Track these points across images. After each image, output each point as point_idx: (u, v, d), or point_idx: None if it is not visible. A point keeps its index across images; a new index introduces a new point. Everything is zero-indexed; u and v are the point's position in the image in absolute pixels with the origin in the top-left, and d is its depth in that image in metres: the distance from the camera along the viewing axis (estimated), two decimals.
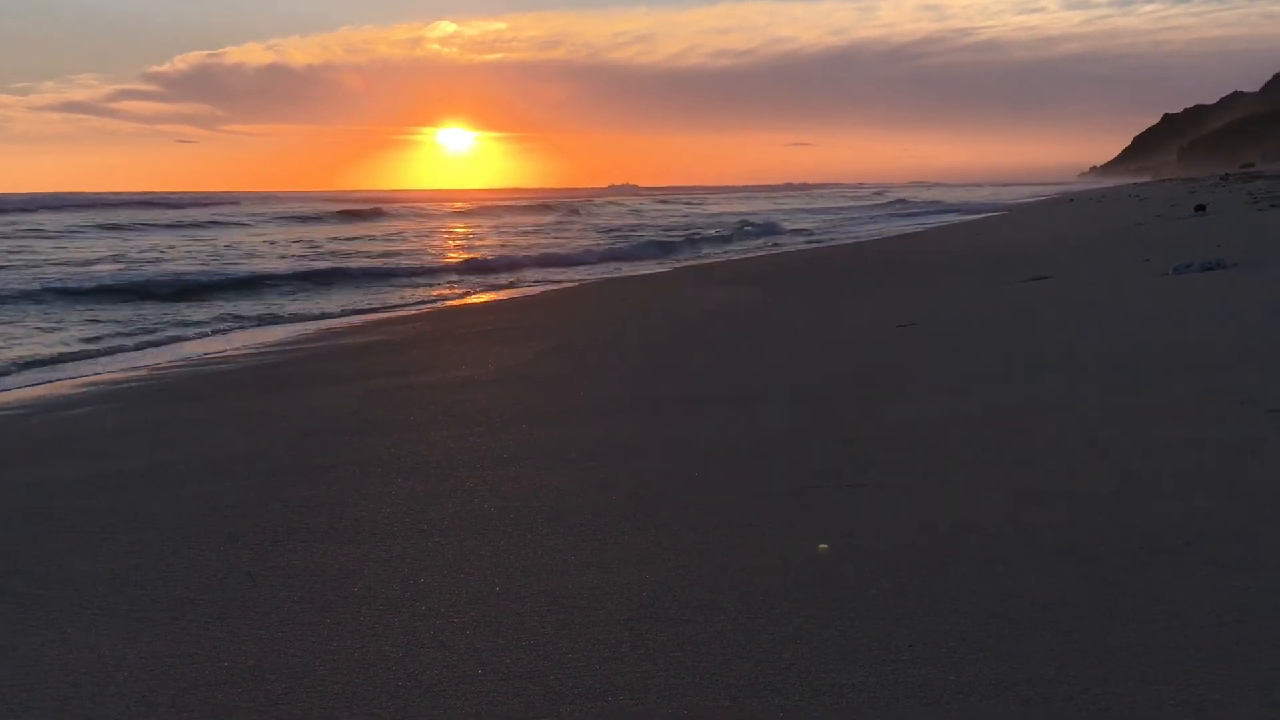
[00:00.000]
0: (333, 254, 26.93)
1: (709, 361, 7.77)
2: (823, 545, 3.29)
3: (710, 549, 3.36)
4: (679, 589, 3.03)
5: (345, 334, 12.52)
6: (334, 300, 16.89)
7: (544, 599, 3.03)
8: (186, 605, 3.18)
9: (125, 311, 15.11)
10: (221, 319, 14.28)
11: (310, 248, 29.87)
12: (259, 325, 13.84)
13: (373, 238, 35.12)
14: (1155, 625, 2.53)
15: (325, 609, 3.06)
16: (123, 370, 9.93)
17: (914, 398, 5.57)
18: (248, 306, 15.79)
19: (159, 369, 10.01)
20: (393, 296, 17.44)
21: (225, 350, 11.34)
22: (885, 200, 69.07)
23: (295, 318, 14.66)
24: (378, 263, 23.59)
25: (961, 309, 9.49)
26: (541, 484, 4.38)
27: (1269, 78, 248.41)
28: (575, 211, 54.69)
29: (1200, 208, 20.37)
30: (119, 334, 12.75)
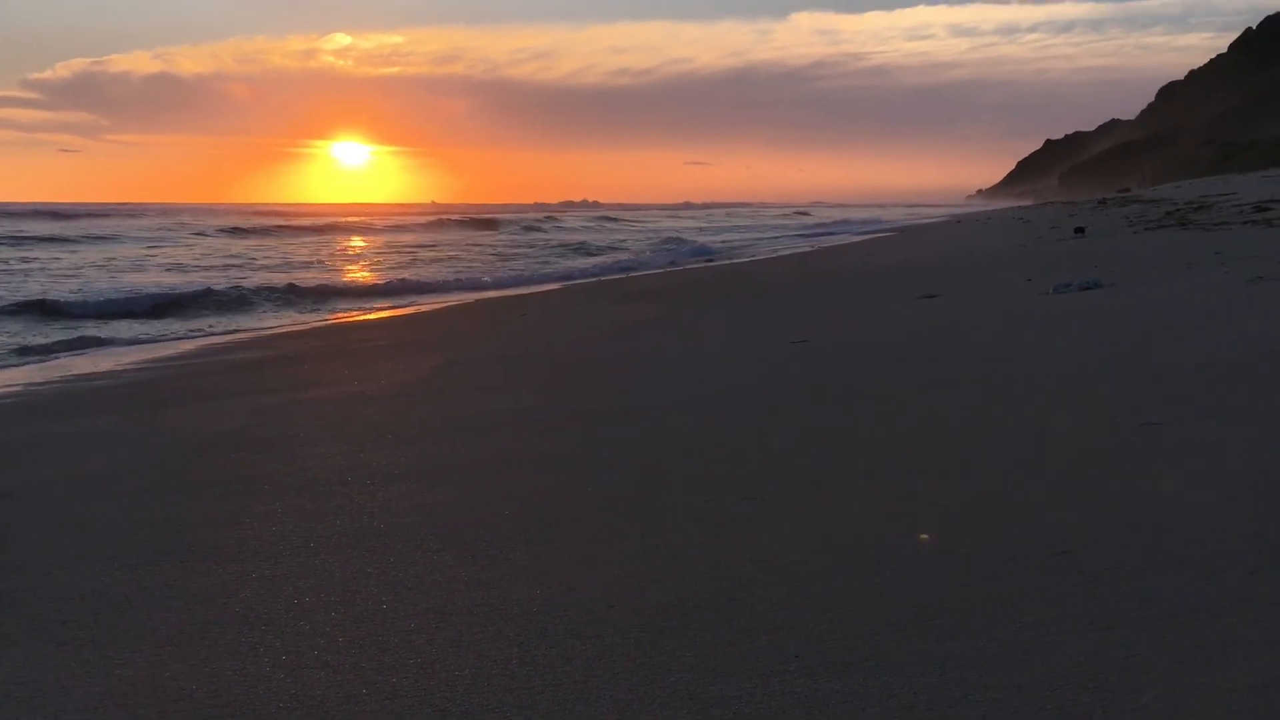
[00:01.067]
0: (221, 268, 26.30)
1: (605, 376, 7.77)
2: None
3: (604, 564, 3.35)
4: (570, 605, 3.02)
5: (234, 350, 12.22)
6: (221, 318, 16.47)
7: (432, 616, 2.99)
8: (57, 629, 3.06)
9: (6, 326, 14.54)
10: (95, 335, 13.79)
11: (199, 259, 29.14)
12: (137, 343, 13.39)
13: (265, 250, 34.36)
14: (1029, 634, 2.60)
15: (204, 630, 2.97)
16: None
17: (806, 412, 5.65)
18: (126, 325, 15.27)
19: (33, 385, 9.63)
20: (282, 313, 17.07)
21: (103, 367, 10.96)
22: (785, 219, 70.10)
23: (179, 335, 14.25)
24: (274, 278, 23.07)
25: (854, 325, 9.68)
26: (433, 500, 4.33)
27: (1143, 106, 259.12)
28: (484, 226, 54.28)
29: (1080, 230, 21.10)
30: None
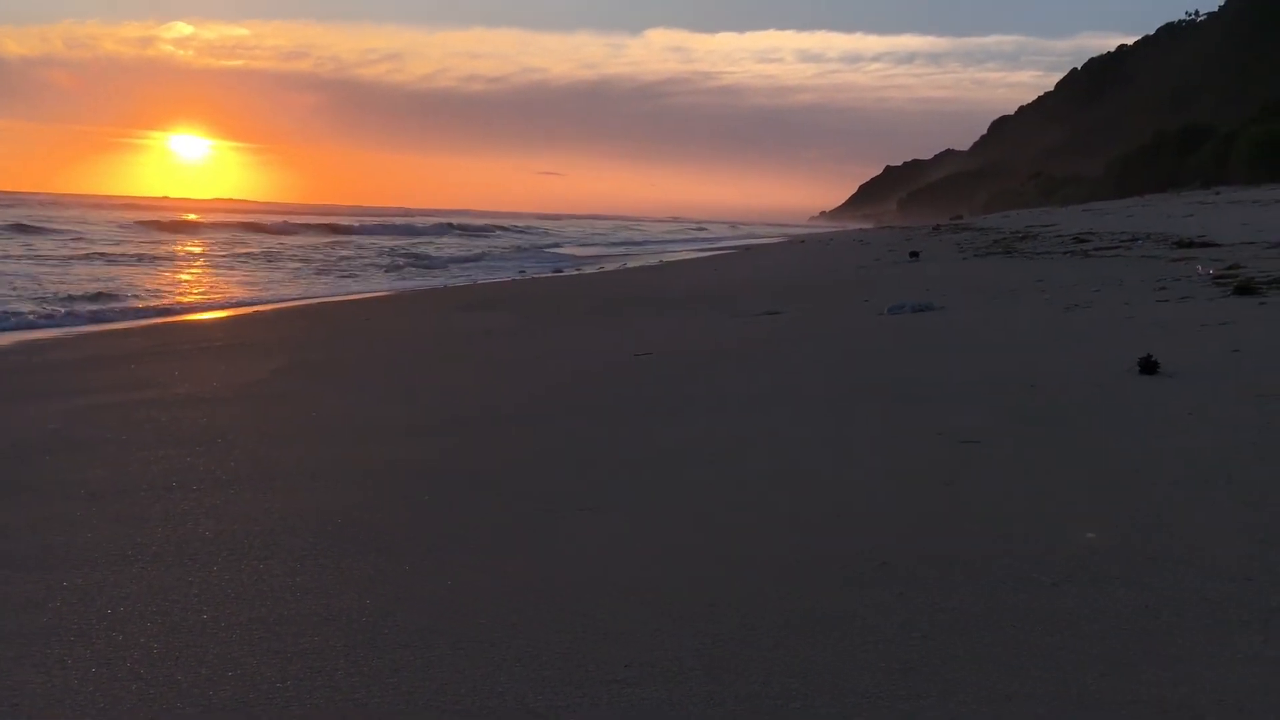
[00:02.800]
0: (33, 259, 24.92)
1: (447, 385, 7.69)
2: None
3: (436, 573, 3.32)
4: (400, 614, 2.97)
5: (53, 347, 11.61)
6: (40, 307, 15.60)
7: (257, 627, 2.91)
8: None
9: None
10: None
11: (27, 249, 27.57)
12: None
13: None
14: (851, 642, 2.69)
15: (6, 641, 2.81)
16: None
17: (646, 424, 5.71)
18: None
19: None
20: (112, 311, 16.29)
21: None
22: (635, 233, 70.57)
23: None
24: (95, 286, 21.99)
25: (696, 340, 9.82)
26: (263, 507, 4.20)
27: (977, 138, 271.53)
28: (329, 230, 52.79)
29: (914, 254, 21.95)
30: None
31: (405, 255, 34.12)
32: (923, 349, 8.06)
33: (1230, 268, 12.34)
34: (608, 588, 3.13)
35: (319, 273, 25.77)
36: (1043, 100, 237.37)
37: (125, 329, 13.67)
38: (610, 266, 29.74)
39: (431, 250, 38.40)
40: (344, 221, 61.71)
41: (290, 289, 21.11)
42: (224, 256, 30.69)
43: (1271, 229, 19.26)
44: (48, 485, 4.65)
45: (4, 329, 13.14)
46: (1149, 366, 5.97)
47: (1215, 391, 5.45)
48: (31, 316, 14.34)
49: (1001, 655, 2.58)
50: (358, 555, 3.52)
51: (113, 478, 4.81)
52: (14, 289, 18.05)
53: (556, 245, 48.70)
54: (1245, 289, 9.77)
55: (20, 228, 39.71)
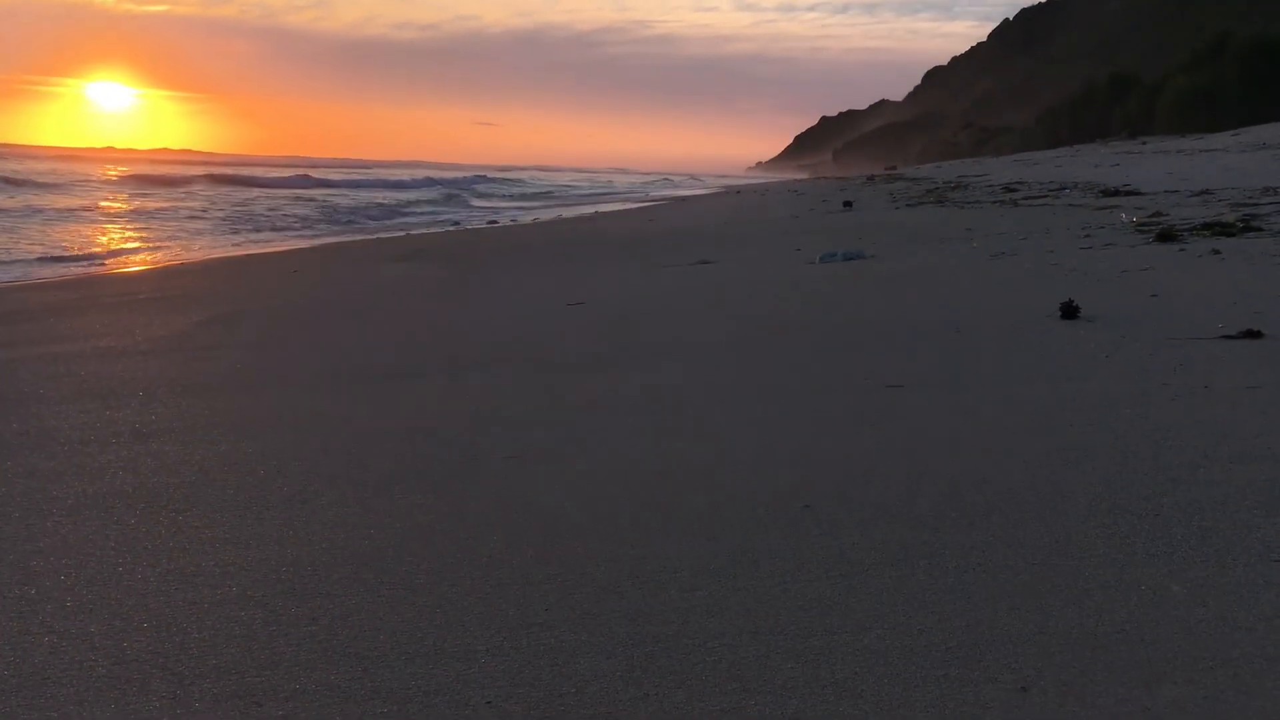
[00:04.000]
0: None
1: (374, 336, 7.61)
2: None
3: (357, 524, 3.30)
4: (321, 564, 2.95)
5: None
6: None
7: (173, 578, 2.87)
8: None
9: None
10: None
11: None
12: None
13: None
14: (770, 582, 2.72)
15: None
16: None
17: (577, 373, 5.70)
18: None
19: None
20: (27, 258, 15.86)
21: None
22: (571, 184, 70.07)
23: None
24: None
25: (628, 289, 9.81)
26: (184, 459, 4.14)
27: (910, 89, 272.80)
28: (246, 183, 51.63)
29: (848, 204, 22.08)
30: None
31: (333, 207, 33.55)
32: (852, 297, 8.13)
33: (1153, 215, 12.59)
34: (529, 534, 3.14)
35: (248, 225, 25.28)
36: (976, 50, 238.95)
37: (49, 281, 13.32)
38: (545, 217, 29.55)
39: (362, 201, 37.80)
40: (274, 173, 60.42)
41: (214, 241, 20.69)
42: (136, 209, 29.90)
43: (1194, 178, 19.66)
44: None
45: None
46: (1070, 311, 6.08)
47: (1133, 335, 5.57)
48: None
49: (915, 592, 2.63)
50: (278, 507, 3.48)
51: (28, 431, 4.70)
52: None
53: (489, 196, 48.22)
54: (1166, 236, 9.97)
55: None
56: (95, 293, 11.97)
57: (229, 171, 57.88)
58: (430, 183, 56.47)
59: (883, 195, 26.27)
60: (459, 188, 52.10)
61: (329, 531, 3.23)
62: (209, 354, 6.94)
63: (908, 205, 20.82)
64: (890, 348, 5.80)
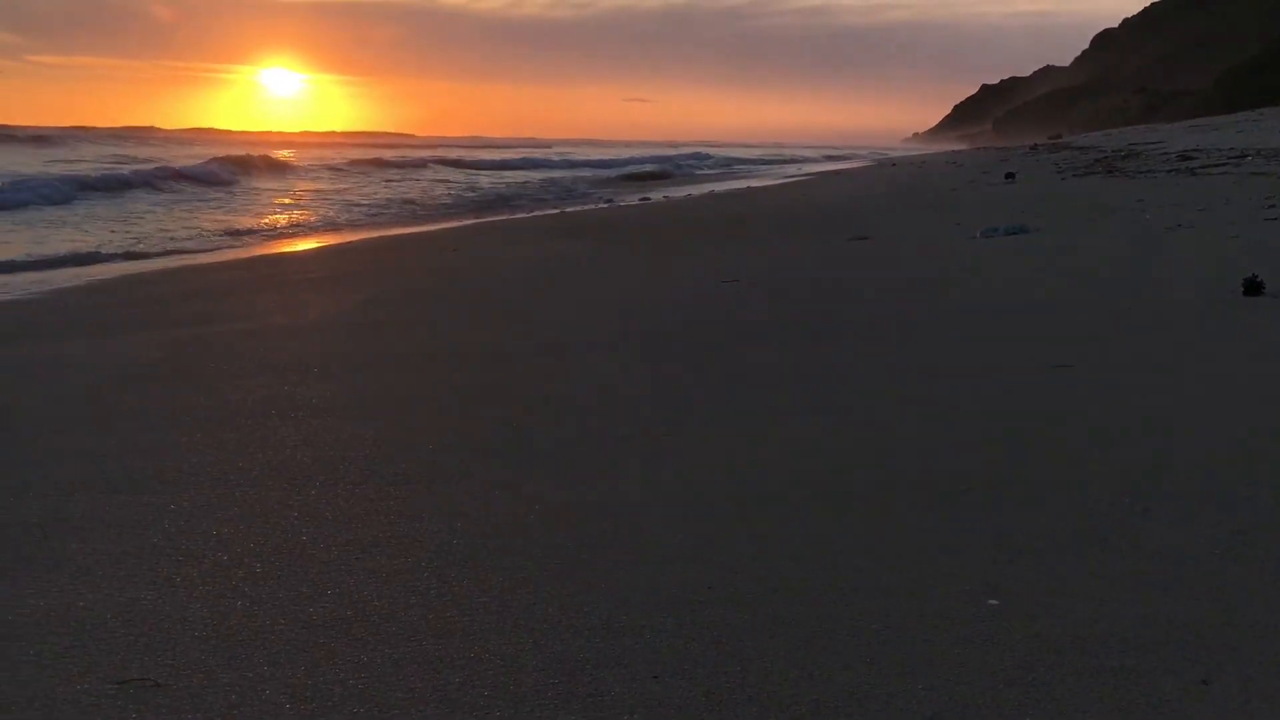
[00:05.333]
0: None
1: (534, 313, 7.77)
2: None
3: (524, 498, 3.39)
4: (490, 536, 3.05)
5: (153, 279, 11.96)
6: (145, 239, 16.07)
7: (353, 548, 3.01)
8: None
9: None
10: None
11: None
12: (52, 267, 13.01)
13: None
14: (931, 564, 2.69)
15: (119, 560, 2.96)
16: None
17: (731, 350, 5.71)
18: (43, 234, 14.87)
19: None
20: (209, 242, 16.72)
21: (8, 293, 10.67)
22: (725, 158, 69.93)
23: (93, 258, 13.87)
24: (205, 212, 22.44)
25: (784, 266, 9.75)
26: (357, 433, 4.32)
27: (1078, 53, 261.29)
28: (424, 164, 53.28)
29: (1010, 175, 21.39)
30: None
31: (488, 186, 34.30)
32: (1016, 272, 7.89)
33: None
34: (687, 511, 3.17)
35: (406, 204, 26.05)
36: (1148, 11, 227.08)
37: (225, 260, 14.04)
38: (697, 193, 29.53)
39: (517, 179, 38.49)
40: (434, 153, 62.04)
41: (377, 221, 21.41)
42: (309, 192, 31.06)
43: None
44: (155, 413, 4.83)
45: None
46: (1253, 287, 5.78)
47: None
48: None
49: (1086, 580, 2.56)
50: (449, 480, 3.61)
51: (214, 405, 4.98)
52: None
53: (644, 172, 48.46)
54: None
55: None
56: (265, 273, 12.55)
57: (454, 154, 59.42)
58: (585, 158, 57.20)
59: (1047, 165, 25.33)
60: (612, 165, 52.56)
61: (493, 505, 3.33)
62: (373, 331, 7.20)
63: (1074, 175, 20.04)
64: (1057, 325, 5.62)
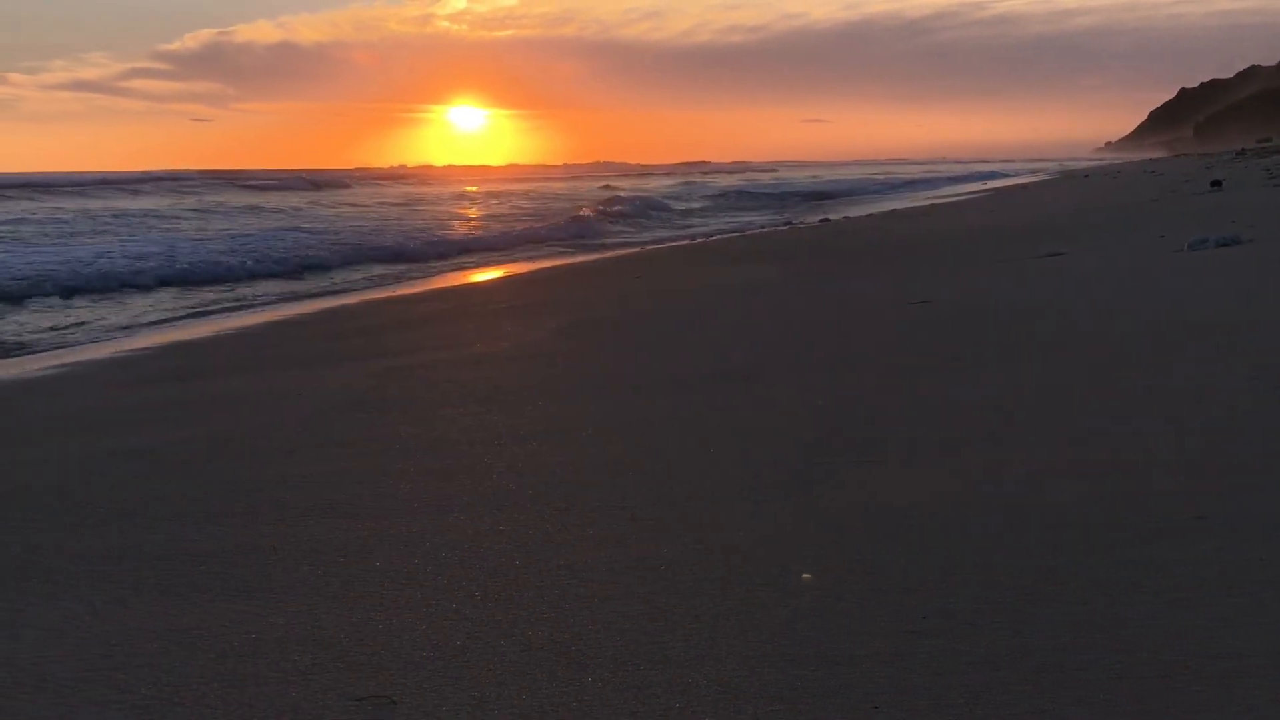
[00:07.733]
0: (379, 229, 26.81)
1: (722, 338, 7.79)
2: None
3: (727, 524, 3.41)
4: (694, 563, 3.08)
5: (359, 313, 12.57)
6: (347, 276, 16.93)
7: (563, 573, 3.08)
8: (211, 579, 3.23)
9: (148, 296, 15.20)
10: (232, 298, 14.34)
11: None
12: (267, 304, 13.87)
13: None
14: (1168, 597, 2.57)
15: (349, 583, 3.11)
16: (123, 348, 9.99)
17: (929, 374, 5.59)
18: (264, 286, 15.85)
19: (165, 347, 10.08)
20: (409, 274, 17.47)
21: (230, 328, 11.39)
22: (905, 175, 68.78)
23: (309, 295, 14.69)
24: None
25: (976, 285, 9.49)
26: (558, 460, 4.43)
27: None
28: (607, 187, 54.71)
29: (1216, 183, 20.25)
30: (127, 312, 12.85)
31: (661, 209, 34.71)
32: (1232, 286, 7.45)
33: None
34: (900, 541, 3.12)
35: (595, 228, 26.58)
36: None
37: (418, 293, 14.64)
38: (879, 211, 29.10)
39: (695, 203, 38.81)
40: (614, 179, 63.26)
41: (567, 248, 21.91)
42: (497, 217, 32.05)
43: None
44: (365, 441, 5.07)
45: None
46: None
47: None
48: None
49: None
50: (650, 506, 3.66)
51: (420, 434, 5.18)
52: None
53: (823, 192, 48.10)
54: None
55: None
56: (459, 302, 13.03)
57: (574, 182, 60.89)
58: (765, 181, 57.41)
59: (1257, 171, 23.87)
60: (792, 185, 52.55)
61: (698, 531, 3.35)
62: (566, 359, 7.37)
63: None
64: None
